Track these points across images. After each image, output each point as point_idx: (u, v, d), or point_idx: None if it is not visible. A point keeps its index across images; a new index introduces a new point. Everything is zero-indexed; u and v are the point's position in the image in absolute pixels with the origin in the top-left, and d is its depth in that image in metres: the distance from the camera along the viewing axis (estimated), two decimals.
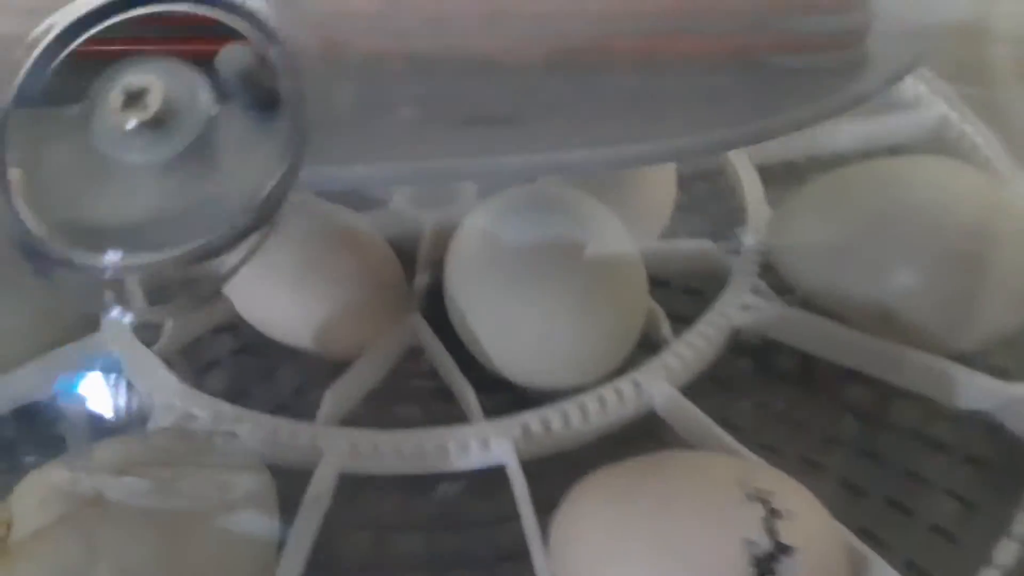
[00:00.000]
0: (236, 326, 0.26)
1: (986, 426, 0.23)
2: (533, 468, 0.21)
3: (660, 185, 0.28)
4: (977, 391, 0.22)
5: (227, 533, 0.18)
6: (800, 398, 0.24)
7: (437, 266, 0.25)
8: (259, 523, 0.18)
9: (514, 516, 0.20)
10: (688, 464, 0.18)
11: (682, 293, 0.27)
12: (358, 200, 0.28)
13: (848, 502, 0.21)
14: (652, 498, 0.17)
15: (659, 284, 0.26)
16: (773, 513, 0.16)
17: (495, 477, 0.21)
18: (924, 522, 0.21)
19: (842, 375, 0.24)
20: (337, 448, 0.21)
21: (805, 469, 0.22)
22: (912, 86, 0.31)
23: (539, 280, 0.22)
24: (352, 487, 0.22)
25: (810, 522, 0.16)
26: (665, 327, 0.24)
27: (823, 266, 0.24)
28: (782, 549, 0.15)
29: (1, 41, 0.14)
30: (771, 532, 0.15)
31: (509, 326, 0.22)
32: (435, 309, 0.25)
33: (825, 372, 0.24)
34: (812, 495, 0.17)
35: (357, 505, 0.22)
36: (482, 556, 0.21)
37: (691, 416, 0.22)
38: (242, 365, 0.26)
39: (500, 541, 0.21)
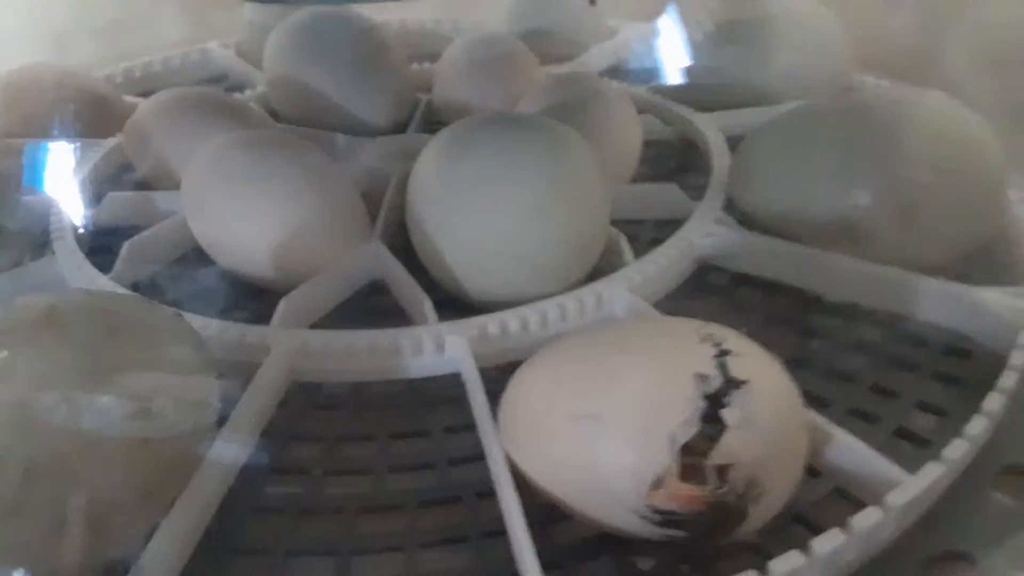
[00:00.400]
0: (197, 260, 0.26)
1: (954, 349, 0.23)
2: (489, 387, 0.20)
3: (626, 136, 0.28)
4: (940, 299, 0.22)
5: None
6: (766, 325, 0.24)
7: (401, 210, 0.25)
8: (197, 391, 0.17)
9: (470, 426, 0.19)
10: (645, 320, 0.18)
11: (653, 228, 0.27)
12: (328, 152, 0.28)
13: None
14: (607, 345, 0.16)
15: (630, 223, 0.27)
16: (724, 352, 0.15)
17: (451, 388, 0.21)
18: (888, 427, 0.20)
19: (807, 306, 0.24)
20: (286, 344, 0.20)
21: None
22: None
23: (496, 187, 0.21)
24: (303, 401, 0.22)
25: (762, 362, 0.16)
26: (628, 251, 0.24)
27: (783, 193, 0.24)
28: (733, 383, 0.15)
29: None
30: (722, 367, 0.15)
31: (466, 233, 0.22)
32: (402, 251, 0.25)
33: (791, 302, 0.24)
34: (766, 351, 0.17)
35: (308, 418, 0.21)
36: (435, 462, 0.20)
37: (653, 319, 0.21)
38: (203, 299, 0.26)
39: (453, 449, 0.20)
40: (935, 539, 0.17)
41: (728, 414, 0.15)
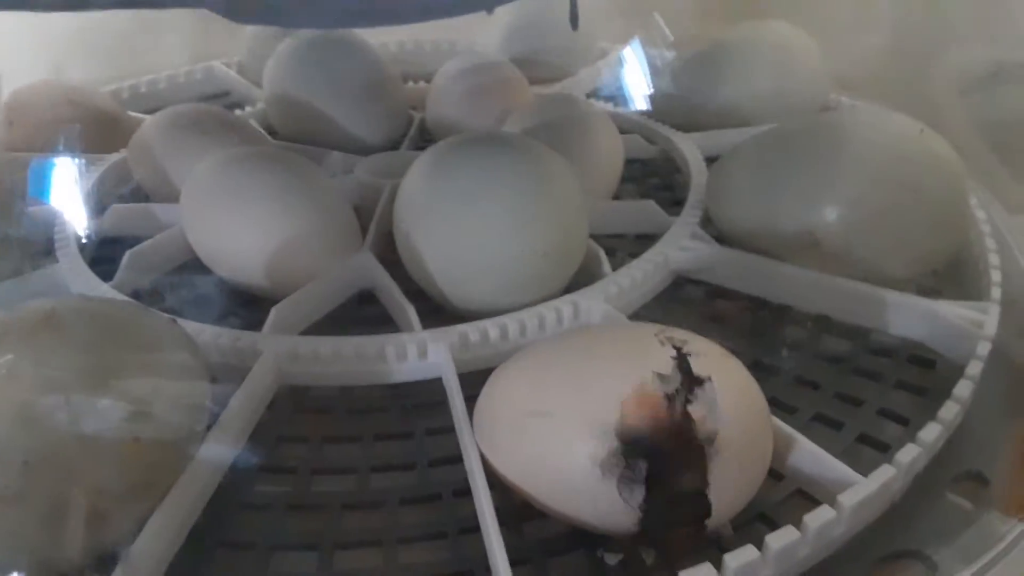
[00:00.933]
0: (195, 269, 0.27)
1: (918, 360, 0.24)
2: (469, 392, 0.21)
3: (608, 155, 0.29)
4: (904, 312, 0.23)
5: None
6: (738, 335, 0.25)
7: (391, 223, 0.26)
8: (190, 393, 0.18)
9: (450, 428, 0.20)
10: (612, 326, 0.19)
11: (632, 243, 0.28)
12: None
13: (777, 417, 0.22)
14: (572, 349, 0.17)
15: (610, 237, 0.28)
16: (684, 353, 0.16)
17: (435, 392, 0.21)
18: (851, 434, 0.21)
19: (778, 317, 0.25)
20: (276, 349, 0.21)
21: None
22: None
23: (476, 203, 0.22)
24: (293, 404, 0.22)
25: (723, 362, 0.17)
26: (606, 264, 0.25)
27: (756, 209, 0.25)
28: (694, 380, 0.16)
29: None
30: (684, 367, 0.16)
31: (449, 246, 0.23)
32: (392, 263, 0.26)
33: (763, 314, 0.25)
34: (728, 353, 0.18)
35: (297, 420, 0.22)
36: (416, 462, 0.21)
37: None
38: (199, 306, 0.27)
39: (434, 450, 0.21)
40: (891, 539, 0.18)
41: (693, 411, 0.16)
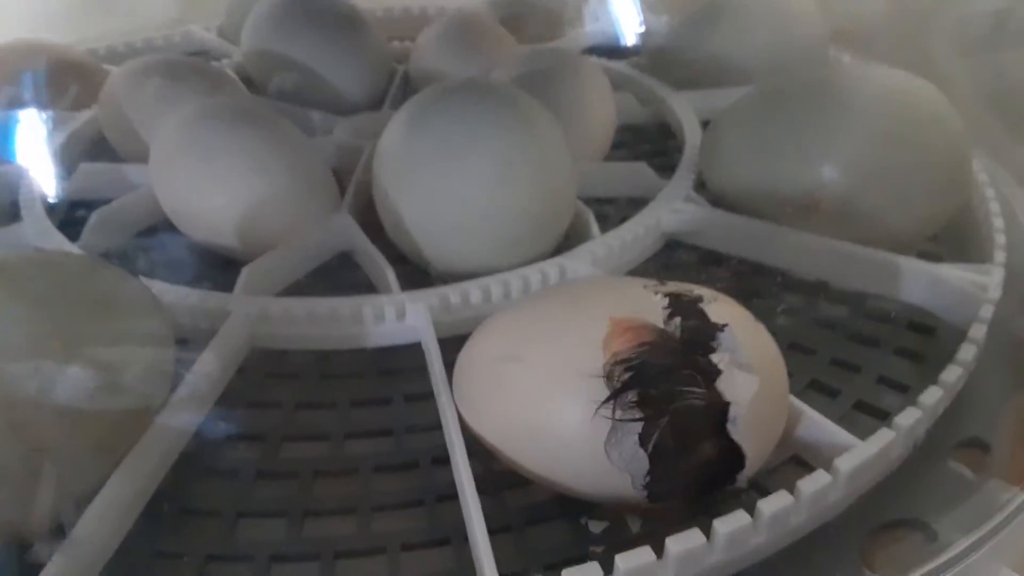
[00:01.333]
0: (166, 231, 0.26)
1: (918, 326, 0.23)
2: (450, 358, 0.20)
3: (600, 110, 0.28)
4: (903, 275, 0.22)
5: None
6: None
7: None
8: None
9: (430, 394, 0.19)
10: (600, 279, 0.18)
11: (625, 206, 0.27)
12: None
13: None
14: (557, 300, 0.16)
15: (601, 201, 0.27)
16: (698, 299, 0.15)
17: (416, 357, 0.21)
18: (848, 401, 0.20)
19: (774, 282, 0.24)
20: (246, 310, 0.20)
21: None
22: None
23: (456, 155, 0.21)
24: (266, 368, 0.21)
25: (736, 310, 0.16)
26: (594, 227, 0.24)
27: (750, 171, 0.24)
28: (712, 326, 0.14)
29: None
30: (697, 313, 0.15)
31: (428, 202, 0.22)
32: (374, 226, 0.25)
33: (758, 279, 0.24)
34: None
35: (270, 385, 0.21)
36: (393, 428, 0.20)
37: None
38: (171, 269, 0.26)
39: (413, 417, 0.20)
40: (889, 507, 0.17)
41: (717, 358, 0.14)
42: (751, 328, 0.16)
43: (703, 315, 0.15)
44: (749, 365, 0.14)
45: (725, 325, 0.15)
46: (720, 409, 0.14)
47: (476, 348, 0.17)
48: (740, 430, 0.14)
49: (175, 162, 0.24)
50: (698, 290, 0.16)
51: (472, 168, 0.21)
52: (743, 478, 0.15)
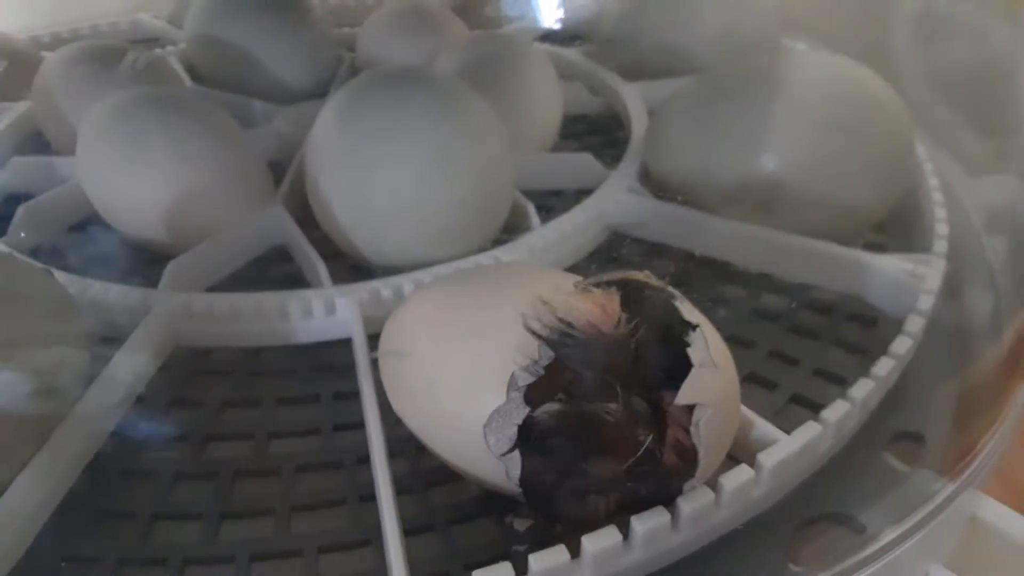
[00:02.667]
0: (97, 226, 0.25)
1: (859, 318, 0.22)
2: None
3: (545, 99, 0.28)
4: (842, 266, 0.22)
5: None
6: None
7: None
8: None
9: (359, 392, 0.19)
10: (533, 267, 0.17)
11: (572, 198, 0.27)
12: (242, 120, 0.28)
13: None
14: (485, 281, 0.16)
15: (548, 193, 0.26)
16: (671, 294, 0.14)
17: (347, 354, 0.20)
18: (784, 394, 0.20)
19: (719, 274, 0.24)
20: (168, 305, 0.20)
21: None
22: None
23: (385, 142, 0.21)
24: (190, 366, 0.21)
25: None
26: (534, 218, 0.23)
27: (693, 161, 0.24)
28: (686, 325, 0.14)
29: None
30: (671, 310, 0.14)
31: (358, 192, 0.21)
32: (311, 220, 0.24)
33: (703, 271, 0.24)
34: None
35: (194, 383, 0.21)
36: (320, 427, 0.19)
37: None
38: (100, 265, 0.25)
39: (340, 415, 0.20)
40: (821, 502, 0.17)
41: (692, 353, 0.13)
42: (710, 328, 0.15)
43: (675, 311, 0.14)
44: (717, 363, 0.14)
45: (697, 325, 0.14)
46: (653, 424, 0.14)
47: (393, 335, 0.16)
48: (702, 435, 0.13)
49: (100, 153, 0.23)
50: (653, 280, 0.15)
51: (402, 155, 0.20)
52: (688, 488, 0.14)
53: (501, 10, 0.39)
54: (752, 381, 0.20)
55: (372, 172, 0.21)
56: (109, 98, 0.23)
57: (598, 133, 0.32)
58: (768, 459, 0.16)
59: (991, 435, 0.19)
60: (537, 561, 0.14)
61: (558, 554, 0.14)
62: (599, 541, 0.14)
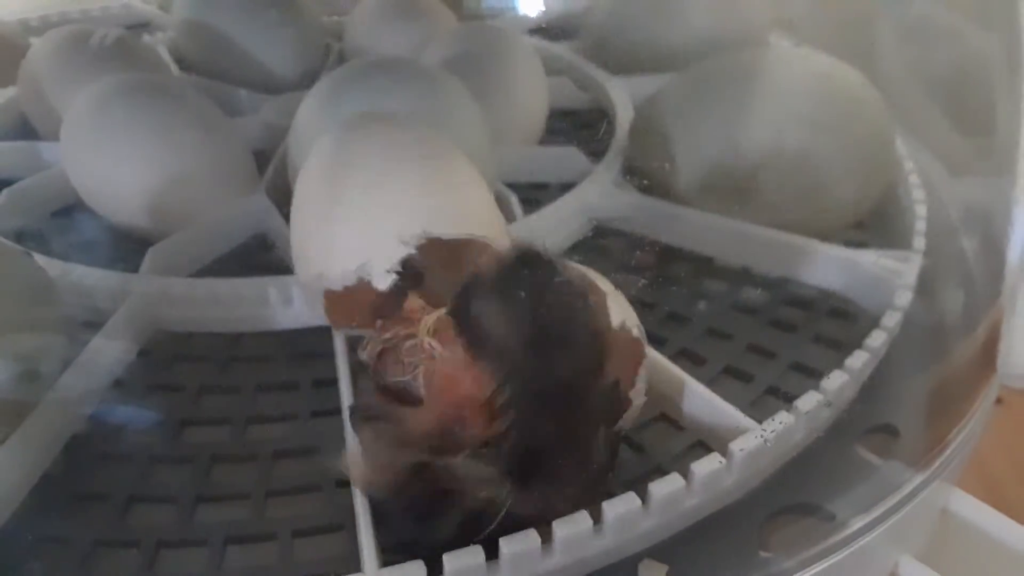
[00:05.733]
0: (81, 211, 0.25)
1: (838, 313, 0.23)
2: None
3: (531, 92, 0.28)
4: (822, 261, 0.22)
5: None
6: (658, 286, 0.24)
7: None
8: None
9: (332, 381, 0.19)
10: None
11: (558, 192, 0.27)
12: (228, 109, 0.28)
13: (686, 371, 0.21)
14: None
15: (533, 186, 0.27)
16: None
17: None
18: (760, 387, 0.20)
19: (701, 269, 0.24)
20: (146, 290, 0.20)
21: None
22: None
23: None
24: (170, 351, 0.21)
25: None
26: (517, 208, 0.24)
27: (676, 156, 0.24)
28: None
29: None
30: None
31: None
32: None
33: (686, 265, 0.24)
34: None
35: (173, 369, 0.21)
36: (298, 414, 0.19)
37: None
38: (83, 251, 0.25)
39: (319, 402, 0.20)
40: (793, 491, 0.17)
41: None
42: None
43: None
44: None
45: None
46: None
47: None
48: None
49: (84, 139, 0.23)
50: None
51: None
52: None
53: (490, 2, 0.39)
54: (729, 374, 0.21)
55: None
56: (94, 84, 0.23)
57: (586, 128, 0.32)
58: (739, 447, 0.16)
59: (961, 428, 0.19)
60: (507, 545, 0.14)
61: (528, 539, 0.14)
62: (570, 526, 0.14)
